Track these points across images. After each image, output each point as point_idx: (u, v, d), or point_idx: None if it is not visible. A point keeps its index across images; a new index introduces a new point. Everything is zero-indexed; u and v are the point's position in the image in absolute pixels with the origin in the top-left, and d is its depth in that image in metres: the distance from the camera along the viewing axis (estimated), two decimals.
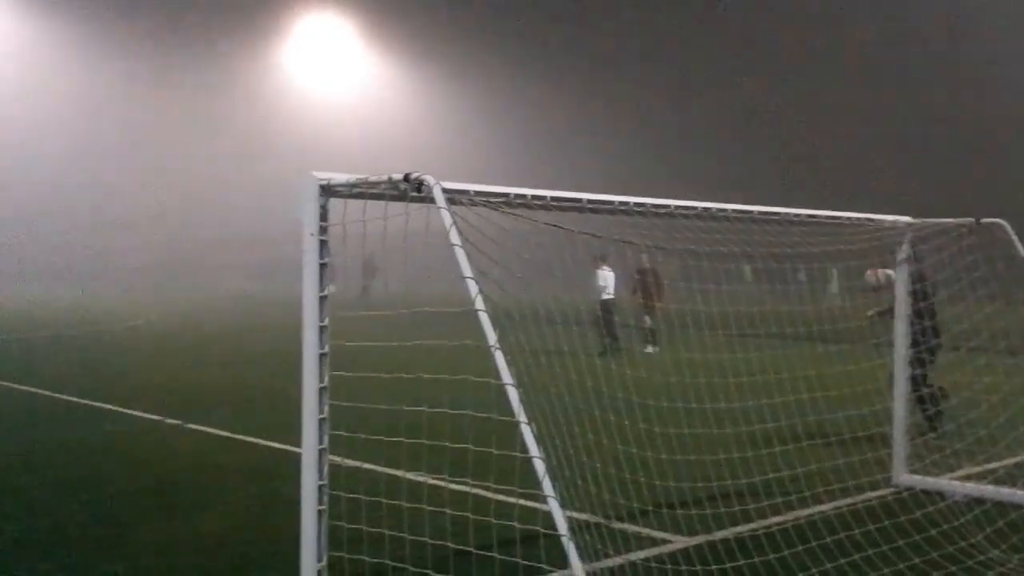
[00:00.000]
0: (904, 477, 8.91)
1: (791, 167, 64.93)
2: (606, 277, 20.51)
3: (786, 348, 11.07)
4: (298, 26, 75.51)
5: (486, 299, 4.98)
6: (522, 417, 4.66)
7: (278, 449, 10.43)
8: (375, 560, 5.98)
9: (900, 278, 9.27)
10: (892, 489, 8.69)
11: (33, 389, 14.84)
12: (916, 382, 9.81)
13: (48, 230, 61.08)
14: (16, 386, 15.20)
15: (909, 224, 8.97)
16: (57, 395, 14.28)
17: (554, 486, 4.62)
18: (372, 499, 6.17)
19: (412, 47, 73.89)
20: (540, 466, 4.59)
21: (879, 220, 8.75)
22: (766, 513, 7.54)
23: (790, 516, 7.57)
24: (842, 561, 6.48)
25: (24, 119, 61.97)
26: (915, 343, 9.59)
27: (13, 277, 53.24)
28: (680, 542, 7.07)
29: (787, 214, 7.62)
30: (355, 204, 5.79)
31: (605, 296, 20.43)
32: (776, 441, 8.58)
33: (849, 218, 8.47)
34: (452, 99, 75.22)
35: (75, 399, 13.94)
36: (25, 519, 7.83)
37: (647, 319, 20.77)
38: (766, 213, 7.51)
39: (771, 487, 7.99)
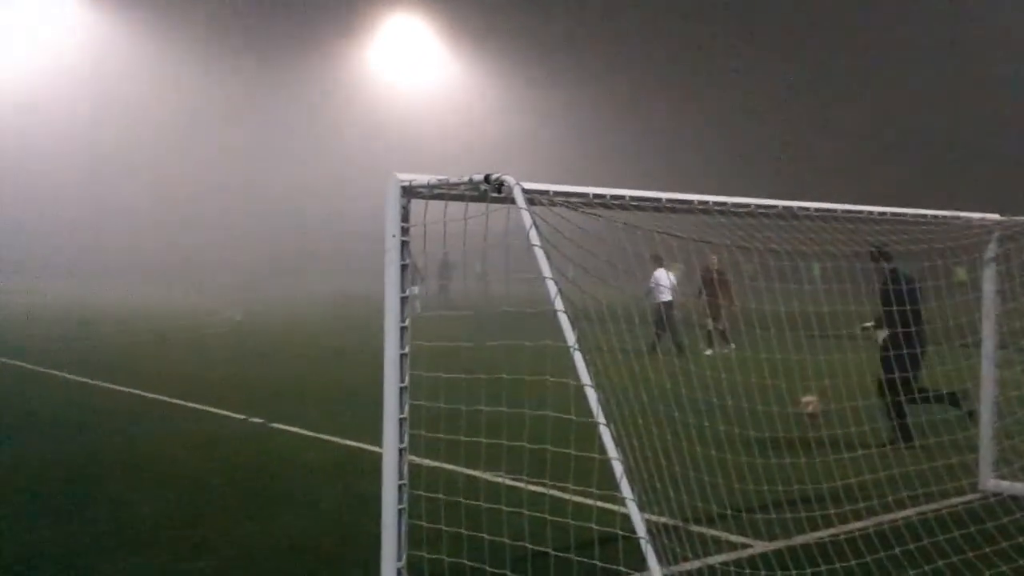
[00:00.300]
0: (991, 482, 8.69)
1: (860, 163, 64.20)
2: (660, 278, 20.37)
3: (870, 350, 10.85)
4: (382, 28, 76.43)
5: (565, 300, 4.99)
6: (601, 418, 4.66)
7: (359, 448, 10.57)
8: (453, 560, 6.03)
9: (987, 277, 9.03)
10: (979, 495, 8.48)
11: (119, 388, 15.22)
12: (894, 387, 9.42)
13: (136, 230, 62.70)
14: (106, 384, 15.61)
15: (998, 222, 8.74)
16: (145, 394, 14.63)
17: (632, 488, 4.61)
18: (451, 499, 6.22)
19: (492, 48, 74.41)
20: (619, 468, 4.59)
21: (966, 218, 8.54)
22: (848, 518, 7.42)
23: (872, 521, 7.43)
24: (926, 568, 6.35)
25: (115, 122, 63.64)
26: (895, 346, 9.34)
27: (101, 278, 54.81)
28: (759, 547, 6.99)
29: (871, 212, 7.48)
30: (435, 204, 5.84)
31: (663, 298, 20.27)
32: (858, 445, 8.44)
33: (935, 216, 8.28)
34: (531, 99, 75.54)
35: (163, 398, 14.27)
36: (113, 515, 8.03)
37: (709, 321, 20.52)
38: (849, 211, 7.38)
39: (853, 491, 7.85)
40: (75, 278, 54.51)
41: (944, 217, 8.38)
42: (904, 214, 7.81)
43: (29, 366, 17.86)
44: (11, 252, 55.47)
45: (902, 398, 9.67)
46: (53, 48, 64.06)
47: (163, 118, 65.78)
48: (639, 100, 72.40)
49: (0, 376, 16.87)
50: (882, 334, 10.56)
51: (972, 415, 9.88)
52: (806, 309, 8.14)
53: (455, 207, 5.71)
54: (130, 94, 65.11)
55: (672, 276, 20.56)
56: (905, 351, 9.29)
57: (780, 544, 6.96)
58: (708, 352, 20.12)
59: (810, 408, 10.74)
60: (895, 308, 9.14)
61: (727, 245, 7.07)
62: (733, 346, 20.07)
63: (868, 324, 11.03)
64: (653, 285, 20.16)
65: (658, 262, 19.60)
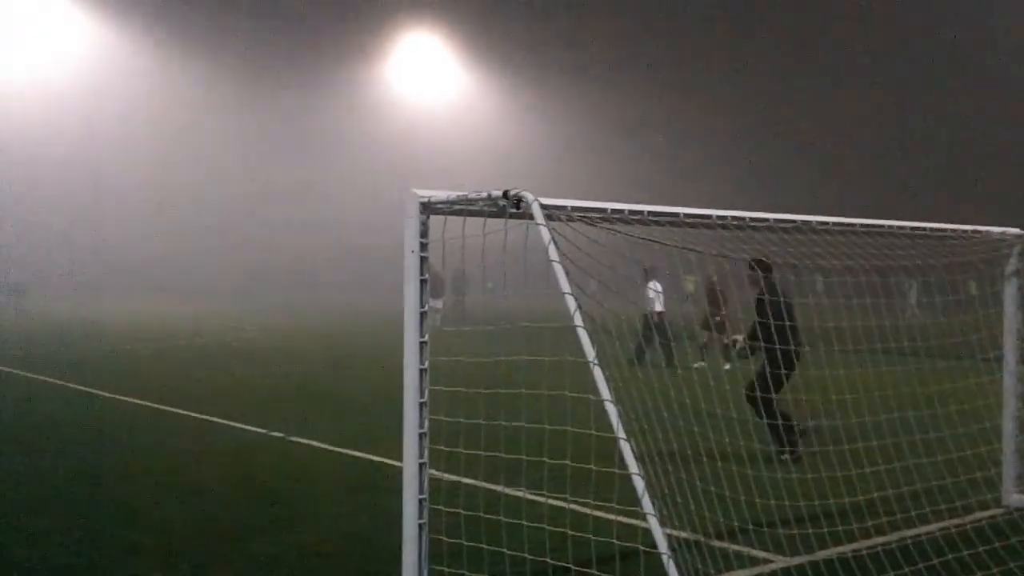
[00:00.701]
0: (1015, 497, 8.62)
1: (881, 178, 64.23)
2: (655, 290, 20.40)
3: (891, 364, 10.80)
4: (398, 46, 76.99)
5: (584, 315, 5.00)
6: (621, 433, 4.66)
7: (379, 462, 10.58)
8: (474, 574, 6.02)
9: (1009, 292, 8.98)
10: (1002, 510, 8.42)
11: (139, 401, 15.30)
12: (768, 404, 9.41)
13: (152, 242, 63.09)
14: (121, 398, 15.69)
15: (1019, 235, 8.69)
16: (162, 407, 14.70)
17: (654, 503, 4.60)
18: (471, 513, 6.21)
19: (508, 65, 74.95)
20: (639, 483, 4.59)
21: (986, 232, 8.51)
22: (871, 533, 7.37)
23: (896, 536, 7.38)
24: None
25: (128, 133, 64.09)
26: (772, 363, 9.14)
27: (119, 289, 55.19)
28: (781, 562, 6.96)
29: (891, 226, 7.47)
30: (451, 219, 5.87)
31: (655, 308, 20.29)
32: (881, 459, 8.38)
33: (954, 230, 8.25)
34: (547, 116, 75.90)
35: (180, 411, 14.33)
36: (133, 529, 8.06)
37: (705, 334, 20.29)
38: (868, 226, 7.37)
39: (875, 506, 7.81)
40: (85, 290, 54.92)
41: (965, 231, 8.35)
42: (924, 228, 7.79)
43: (46, 379, 17.97)
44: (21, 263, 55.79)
45: (764, 412, 9.70)
46: (82, 72, 64.66)
47: (182, 134, 66.26)
48: (655, 116, 72.62)
49: (15, 387, 16.98)
50: (746, 342, 10.50)
51: (792, 453, 9.83)
52: (839, 324, 8.11)
53: (473, 222, 5.74)
54: (148, 110, 65.60)
55: (660, 287, 20.60)
56: (782, 370, 9.20)
57: (803, 559, 6.91)
58: (696, 365, 19.69)
59: (736, 343, 11.11)
60: (771, 321, 8.91)
61: (744, 260, 7.07)
62: (728, 367, 19.77)
63: (737, 337, 10.88)
64: (652, 295, 20.26)
65: (651, 274, 19.59)
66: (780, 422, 9.67)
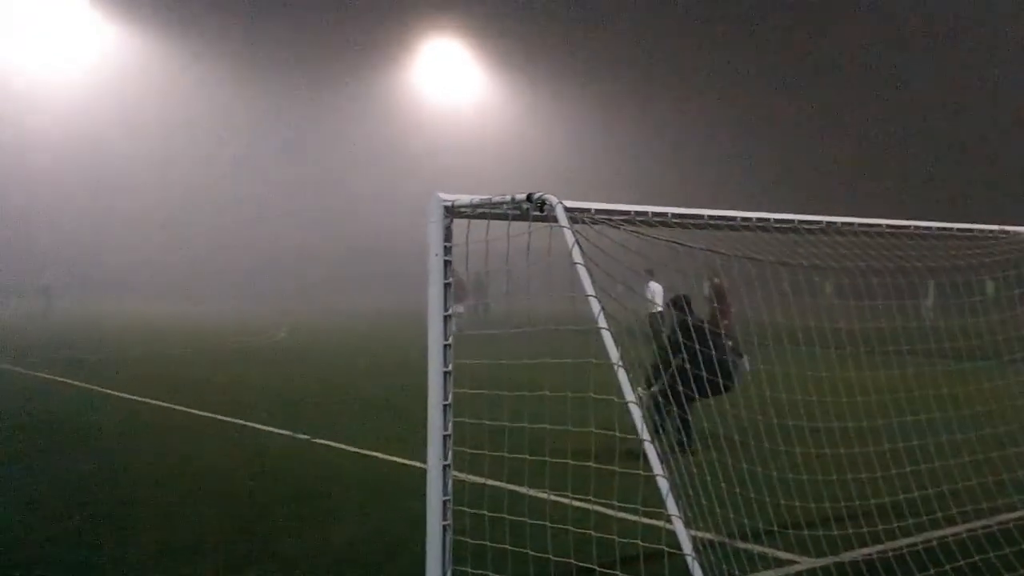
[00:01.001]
0: None
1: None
2: (654, 290, 20.40)
3: (916, 366, 10.74)
4: (422, 51, 77.36)
5: (608, 317, 5.01)
6: (645, 435, 4.67)
7: (403, 464, 10.63)
8: (498, 575, 6.05)
9: None
10: None
11: (167, 404, 15.42)
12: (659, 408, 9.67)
13: (177, 245, 63.53)
14: (152, 401, 15.82)
15: None
16: (193, 410, 14.81)
17: (678, 504, 4.61)
18: (495, 515, 6.24)
19: (528, 70, 75.16)
20: (664, 484, 4.60)
21: (1014, 232, 8.44)
22: (896, 534, 7.34)
23: (922, 537, 7.35)
24: None
25: (163, 136, 64.63)
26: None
27: (152, 293, 55.62)
28: (806, 563, 6.94)
29: (917, 227, 7.42)
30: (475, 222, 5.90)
31: (653, 309, 20.17)
32: (907, 461, 8.35)
33: (982, 230, 8.19)
34: (567, 119, 76.07)
35: (208, 414, 14.44)
36: (164, 529, 8.14)
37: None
38: (894, 227, 7.33)
39: (901, 508, 7.78)
40: (114, 293, 55.36)
41: (991, 231, 8.29)
42: (950, 228, 7.74)
43: (78, 383, 18.15)
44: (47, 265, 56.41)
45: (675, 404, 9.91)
46: (107, 79, 65.23)
47: (209, 137, 66.77)
48: (676, 119, 72.64)
49: (50, 392, 17.16)
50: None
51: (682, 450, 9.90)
52: (864, 326, 8.09)
53: (495, 225, 5.76)
54: (181, 115, 66.15)
55: (660, 287, 20.60)
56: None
57: (828, 561, 6.90)
58: None
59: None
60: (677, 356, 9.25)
61: (771, 261, 7.05)
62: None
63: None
64: (650, 297, 20.27)
65: (651, 275, 19.65)
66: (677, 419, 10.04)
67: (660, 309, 20.44)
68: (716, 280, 19.24)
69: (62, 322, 38.09)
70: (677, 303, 10.96)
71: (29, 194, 60.41)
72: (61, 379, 18.90)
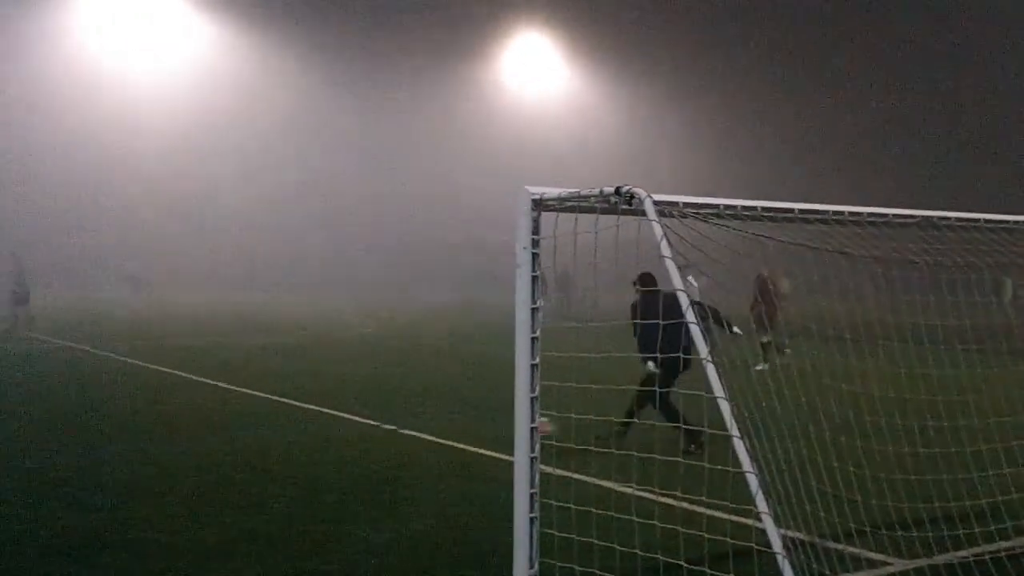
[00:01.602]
0: None
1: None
2: (692, 284, 20.06)
3: (1008, 364, 10.44)
4: (508, 45, 77.62)
5: (697, 312, 4.96)
6: (734, 431, 4.62)
7: (486, 455, 10.68)
8: (584, 569, 6.04)
9: None
10: None
11: (259, 393, 15.73)
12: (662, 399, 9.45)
13: (269, 236, 64.64)
14: (241, 389, 16.14)
15: None
16: (279, 398, 15.09)
17: (768, 502, 4.55)
18: (582, 508, 6.22)
19: (616, 63, 74.87)
20: (754, 481, 4.54)
21: None
22: (994, 537, 7.15)
23: (1019, 541, 7.14)
24: None
25: (253, 136, 65.82)
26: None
27: (246, 283, 56.82)
28: (899, 564, 6.80)
29: (1019, 222, 7.19)
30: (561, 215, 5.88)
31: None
32: (1005, 462, 8.12)
33: None
34: (652, 112, 75.58)
35: (295, 402, 14.69)
36: (251, 514, 8.31)
37: (765, 335, 19.15)
38: (992, 221, 7.12)
39: (999, 510, 7.56)
40: (202, 283, 56.64)
41: None
42: None
43: (166, 369, 18.64)
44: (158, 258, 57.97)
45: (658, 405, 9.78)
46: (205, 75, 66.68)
47: (303, 133, 67.74)
48: (761, 111, 71.66)
49: (135, 379, 17.63)
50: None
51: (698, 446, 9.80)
52: (960, 322, 7.88)
53: (583, 218, 5.74)
54: (267, 106, 67.23)
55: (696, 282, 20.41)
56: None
57: (921, 562, 6.75)
58: (759, 367, 18.78)
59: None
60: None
61: (872, 257, 6.89)
62: (789, 351, 19.18)
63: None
64: (690, 288, 19.92)
65: (687, 270, 19.41)
66: (680, 420, 9.83)
67: (699, 301, 20.15)
68: (764, 273, 19.18)
69: (148, 311, 39.09)
70: (644, 279, 10.56)
71: (130, 193, 61.96)
72: (144, 364, 19.41)
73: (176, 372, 18.56)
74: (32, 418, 13.59)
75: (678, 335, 9.68)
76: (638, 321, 10.11)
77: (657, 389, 9.30)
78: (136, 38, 65.64)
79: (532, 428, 5.79)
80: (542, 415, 6.47)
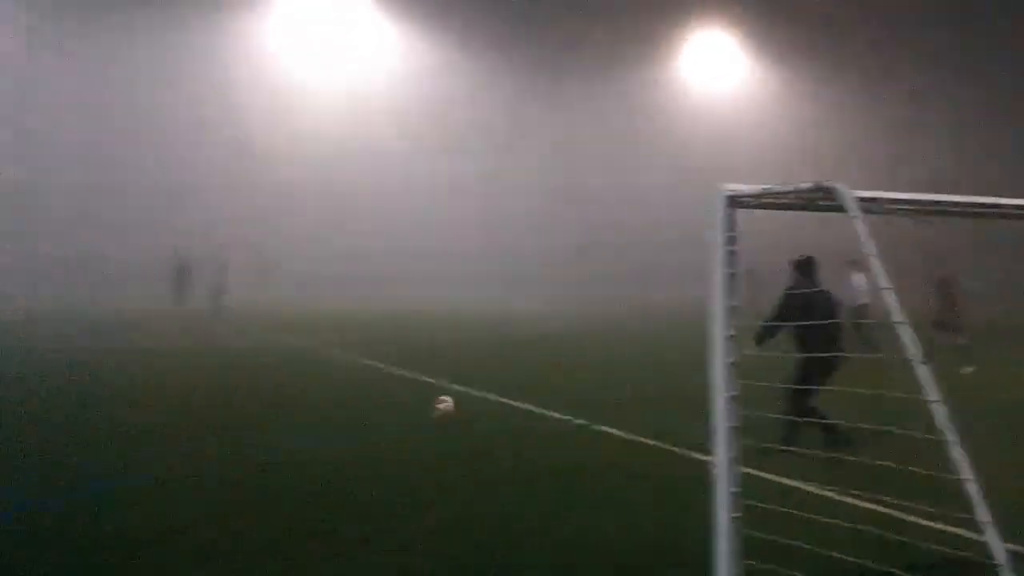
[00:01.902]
0: None
1: None
2: (858, 282, 20.20)
3: None
4: (688, 43, 77.03)
5: (906, 310, 4.80)
6: (952, 436, 4.44)
7: (681, 454, 10.59)
8: (788, 572, 5.92)
9: None
10: None
11: (460, 387, 16.05)
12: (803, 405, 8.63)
13: (465, 239, 65.62)
14: (432, 382, 16.54)
15: None
16: (477, 392, 15.40)
17: (989, 511, 4.36)
18: (785, 510, 6.10)
19: (804, 59, 72.92)
20: (973, 489, 4.35)
21: None
22: None
23: None
24: None
25: (396, 134, 66.97)
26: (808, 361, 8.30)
27: (425, 283, 58.18)
28: None
29: None
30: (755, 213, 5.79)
31: (861, 300, 20.02)
32: None
33: None
34: (846, 109, 73.19)
35: (493, 397, 14.97)
36: (447, 507, 8.48)
37: (959, 337, 18.19)
38: None
39: None
40: (400, 283, 58.15)
41: None
42: None
43: (380, 366, 19.32)
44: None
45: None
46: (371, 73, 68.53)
47: (478, 138, 68.56)
48: (957, 105, 68.08)
49: (352, 374, 18.36)
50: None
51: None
52: None
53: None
54: (444, 103, 68.43)
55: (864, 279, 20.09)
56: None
57: None
58: (968, 370, 17.43)
59: (441, 408, 12.40)
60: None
61: None
62: (969, 369, 17.60)
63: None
64: (856, 287, 20.20)
65: (855, 266, 19.88)
66: (815, 419, 9.04)
67: (866, 301, 19.92)
68: (944, 273, 18.94)
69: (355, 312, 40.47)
70: (800, 265, 9.79)
71: (316, 194, 64.20)
72: (364, 360, 20.13)
73: (391, 369, 19.11)
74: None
75: (838, 335, 9.35)
76: (788, 323, 9.48)
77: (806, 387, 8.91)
78: (320, 38, 67.77)
79: (733, 427, 5.71)
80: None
